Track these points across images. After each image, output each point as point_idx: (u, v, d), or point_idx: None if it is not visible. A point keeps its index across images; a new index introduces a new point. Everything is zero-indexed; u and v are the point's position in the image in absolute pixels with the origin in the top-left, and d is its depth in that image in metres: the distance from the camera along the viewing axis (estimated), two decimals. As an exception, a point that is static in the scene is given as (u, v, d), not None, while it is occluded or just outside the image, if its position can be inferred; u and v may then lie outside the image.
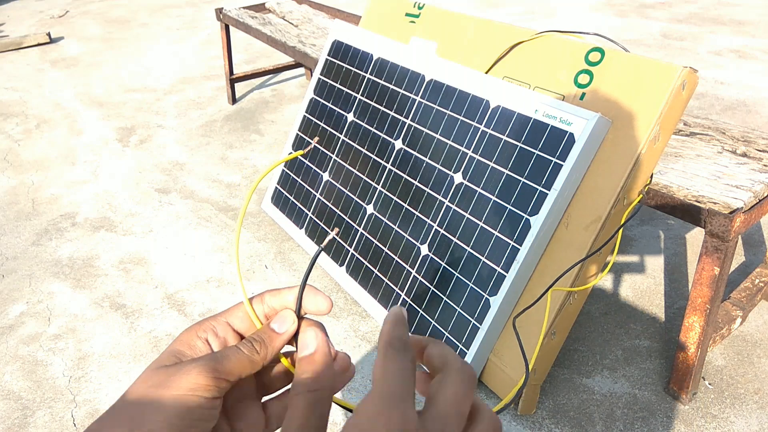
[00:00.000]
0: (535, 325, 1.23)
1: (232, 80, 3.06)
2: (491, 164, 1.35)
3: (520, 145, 1.30)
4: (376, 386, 0.28)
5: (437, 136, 1.49)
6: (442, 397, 0.29)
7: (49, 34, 4.28)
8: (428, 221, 1.45)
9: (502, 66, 1.46)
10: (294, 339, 0.38)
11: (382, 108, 1.66)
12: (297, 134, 1.96)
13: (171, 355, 0.35)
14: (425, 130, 1.52)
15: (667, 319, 1.60)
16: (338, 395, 0.37)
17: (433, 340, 0.34)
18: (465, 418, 0.29)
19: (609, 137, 1.21)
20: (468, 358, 1.29)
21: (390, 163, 1.60)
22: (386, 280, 1.53)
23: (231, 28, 2.89)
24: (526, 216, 1.25)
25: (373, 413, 0.27)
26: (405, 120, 1.59)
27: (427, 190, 1.48)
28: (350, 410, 0.35)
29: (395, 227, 1.54)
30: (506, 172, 1.31)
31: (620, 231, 1.21)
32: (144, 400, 0.32)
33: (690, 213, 1.20)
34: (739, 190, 1.21)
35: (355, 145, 1.72)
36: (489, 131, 1.37)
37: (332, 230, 1.64)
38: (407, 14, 1.75)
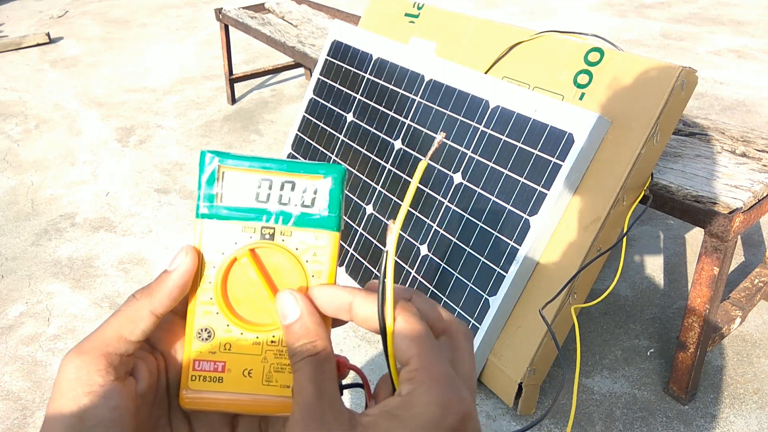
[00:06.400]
0: (539, 326, 1.24)
1: (232, 80, 3.05)
2: (491, 164, 1.35)
3: (519, 145, 1.30)
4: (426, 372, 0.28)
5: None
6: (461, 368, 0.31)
7: (48, 35, 4.27)
8: (428, 221, 1.45)
9: (502, 66, 1.46)
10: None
11: (382, 108, 1.66)
12: (296, 134, 1.96)
13: None
14: (425, 131, 1.52)
15: (667, 319, 1.60)
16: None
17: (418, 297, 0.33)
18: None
19: (608, 137, 1.21)
20: (467, 358, 1.29)
21: (389, 163, 1.60)
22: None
23: (230, 28, 2.89)
24: (525, 216, 1.25)
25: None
26: (404, 120, 1.59)
27: (427, 190, 1.48)
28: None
29: (395, 227, 1.54)
30: (506, 172, 1.31)
31: (625, 233, 1.21)
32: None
33: (689, 213, 1.20)
34: (738, 190, 1.22)
35: (354, 145, 1.72)
36: (488, 131, 1.37)
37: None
38: (407, 14, 1.75)
